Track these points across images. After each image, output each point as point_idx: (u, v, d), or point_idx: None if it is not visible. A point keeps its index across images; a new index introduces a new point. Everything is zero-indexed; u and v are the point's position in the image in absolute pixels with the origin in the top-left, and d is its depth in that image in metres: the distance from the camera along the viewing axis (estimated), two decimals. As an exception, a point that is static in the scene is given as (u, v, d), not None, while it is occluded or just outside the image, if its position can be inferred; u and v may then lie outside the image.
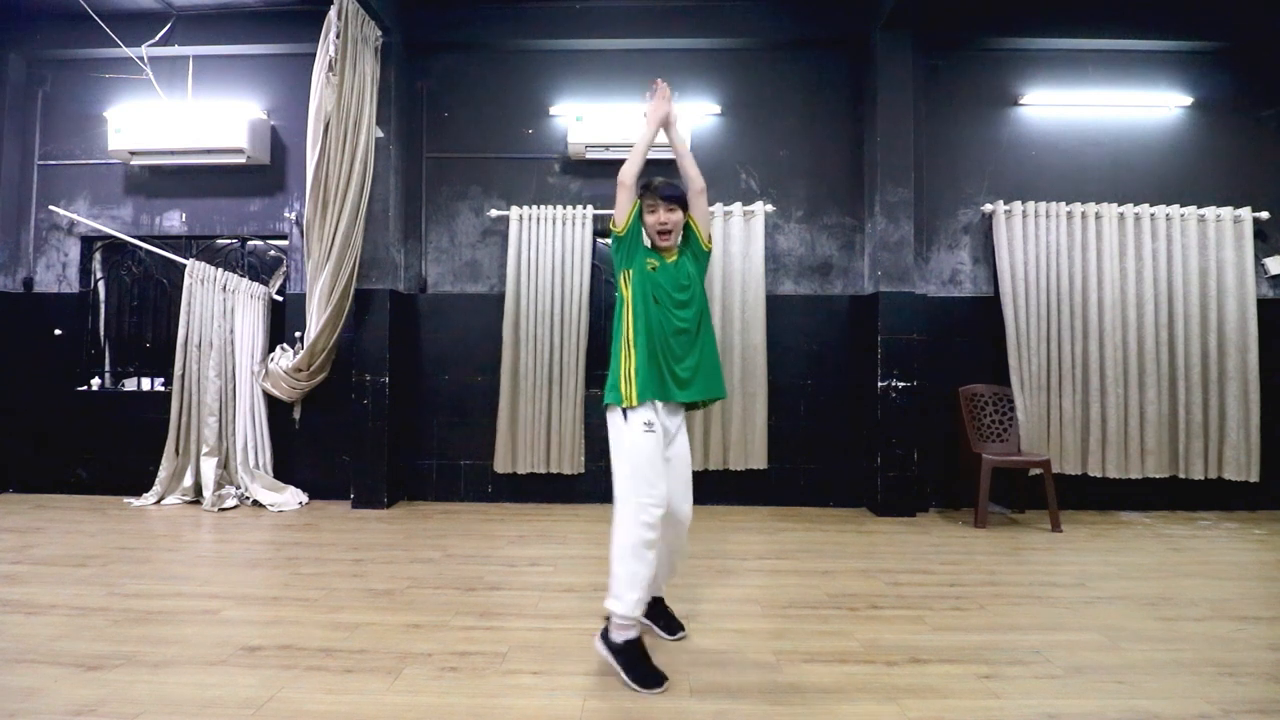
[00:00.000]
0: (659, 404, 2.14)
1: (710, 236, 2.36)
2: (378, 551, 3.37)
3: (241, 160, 4.53)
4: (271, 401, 4.57)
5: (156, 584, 2.84)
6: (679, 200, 2.27)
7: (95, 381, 4.80)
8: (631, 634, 2.02)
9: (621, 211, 2.27)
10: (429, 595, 2.73)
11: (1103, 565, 3.24)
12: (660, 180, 2.30)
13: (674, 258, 2.29)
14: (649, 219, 2.27)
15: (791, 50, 4.67)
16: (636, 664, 1.98)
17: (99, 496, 4.58)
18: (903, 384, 4.26)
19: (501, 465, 4.48)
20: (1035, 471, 4.09)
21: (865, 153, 4.54)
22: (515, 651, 2.19)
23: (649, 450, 2.05)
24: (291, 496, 4.42)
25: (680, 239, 2.33)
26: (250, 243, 4.84)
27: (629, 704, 1.85)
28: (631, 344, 2.15)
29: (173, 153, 4.54)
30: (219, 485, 4.40)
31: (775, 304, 4.53)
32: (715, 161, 4.65)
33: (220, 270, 4.54)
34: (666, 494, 2.07)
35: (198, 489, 4.42)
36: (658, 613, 2.34)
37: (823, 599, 2.73)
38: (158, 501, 4.40)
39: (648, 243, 2.33)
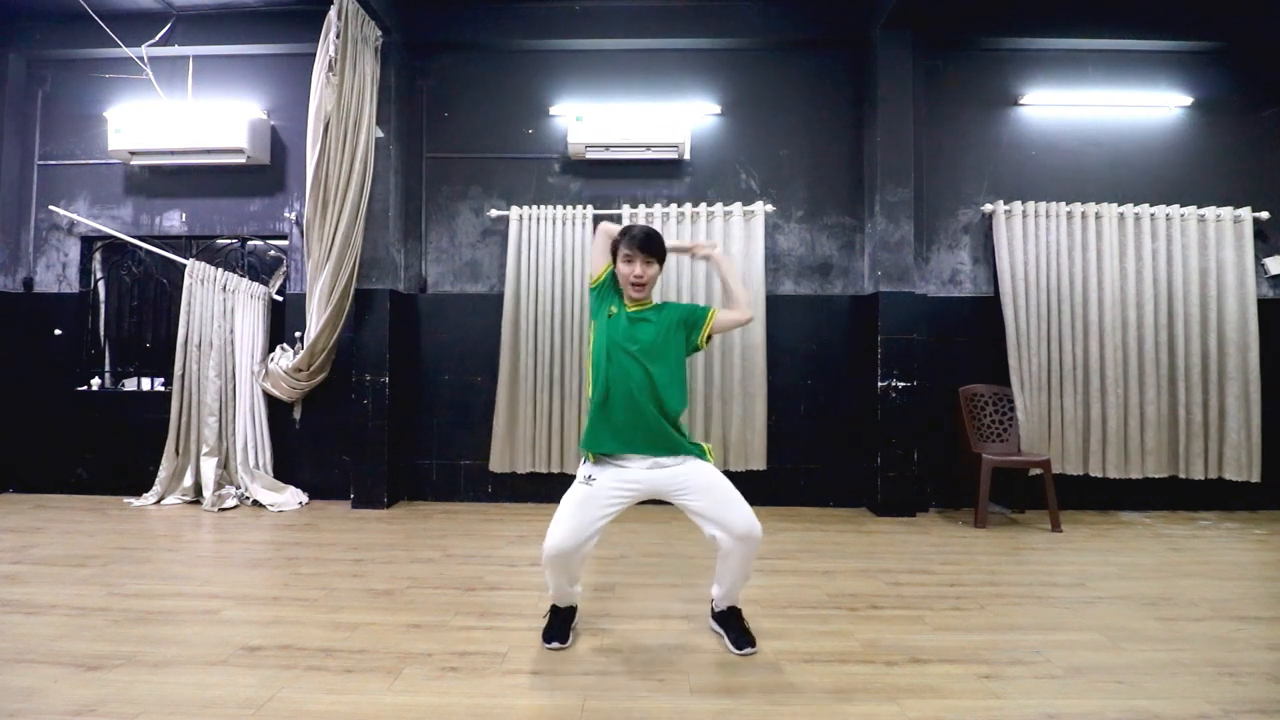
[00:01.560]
0: (619, 458, 2.17)
1: (710, 338, 2.31)
2: (378, 551, 3.37)
3: (241, 160, 4.52)
4: (271, 401, 4.57)
5: (156, 584, 2.84)
6: (658, 254, 2.21)
7: (95, 381, 4.80)
8: (555, 604, 2.33)
9: (597, 262, 2.30)
10: (429, 595, 2.73)
11: (1103, 565, 3.24)
12: (640, 229, 2.21)
13: (639, 309, 2.25)
14: (623, 268, 2.21)
15: (791, 50, 4.67)
16: (548, 625, 2.30)
17: (99, 496, 4.57)
18: (903, 384, 4.26)
19: (497, 465, 4.48)
20: (1035, 471, 4.09)
21: (865, 153, 4.54)
22: (515, 651, 2.19)
23: (573, 498, 2.17)
24: (291, 496, 4.42)
25: (653, 297, 2.30)
26: (250, 243, 4.84)
27: (629, 704, 1.85)
28: (589, 399, 2.23)
29: (173, 153, 4.54)
30: (219, 485, 4.40)
31: (775, 304, 4.53)
32: (715, 161, 4.65)
33: (220, 270, 4.54)
34: (566, 542, 2.10)
35: (198, 489, 4.42)
36: (729, 624, 2.27)
37: (823, 599, 2.73)
38: (158, 501, 4.40)
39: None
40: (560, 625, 2.27)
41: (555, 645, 2.21)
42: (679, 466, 2.17)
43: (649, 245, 2.19)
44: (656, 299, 2.35)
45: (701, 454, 2.22)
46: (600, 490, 2.16)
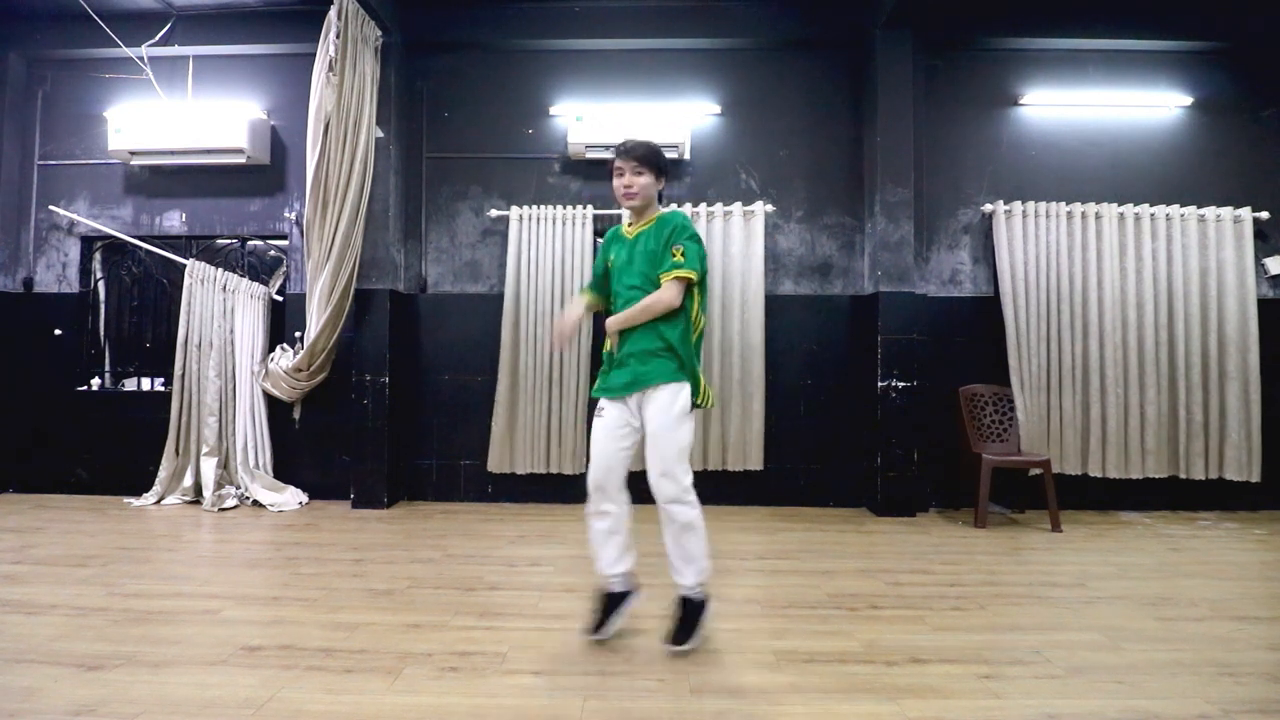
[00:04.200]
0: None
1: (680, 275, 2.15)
2: (378, 551, 3.37)
3: (241, 160, 4.52)
4: (271, 401, 4.57)
5: (156, 584, 2.84)
6: (648, 160, 2.17)
7: (95, 381, 4.80)
8: (599, 588, 2.28)
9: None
10: (429, 595, 2.73)
11: (1103, 565, 3.24)
12: (626, 143, 2.21)
13: (640, 228, 2.24)
14: (615, 183, 2.23)
15: (791, 50, 4.67)
16: (591, 612, 2.27)
17: (99, 496, 4.57)
18: (903, 384, 4.26)
19: (495, 465, 4.48)
20: (1035, 471, 4.08)
21: (865, 153, 4.54)
22: (515, 651, 2.19)
23: (594, 430, 2.23)
24: (291, 496, 4.42)
25: (649, 208, 2.25)
26: (250, 243, 4.84)
27: (629, 704, 1.85)
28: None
29: (173, 153, 4.54)
30: (219, 485, 4.40)
31: (775, 304, 4.53)
32: (715, 161, 4.65)
33: (220, 270, 4.54)
34: (595, 472, 2.18)
35: (198, 489, 4.42)
36: (676, 612, 2.23)
37: (823, 599, 2.72)
38: (158, 501, 4.40)
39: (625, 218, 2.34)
40: (600, 614, 2.23)
41: (592, 633, 2.22)
42: (651, 392, 2.16)
43: (633, 149, 2.16)
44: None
45: (670, 376, 2.14)
46: (610, 420, 2.19)
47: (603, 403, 2.23)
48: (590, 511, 2.22)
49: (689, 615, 2.20)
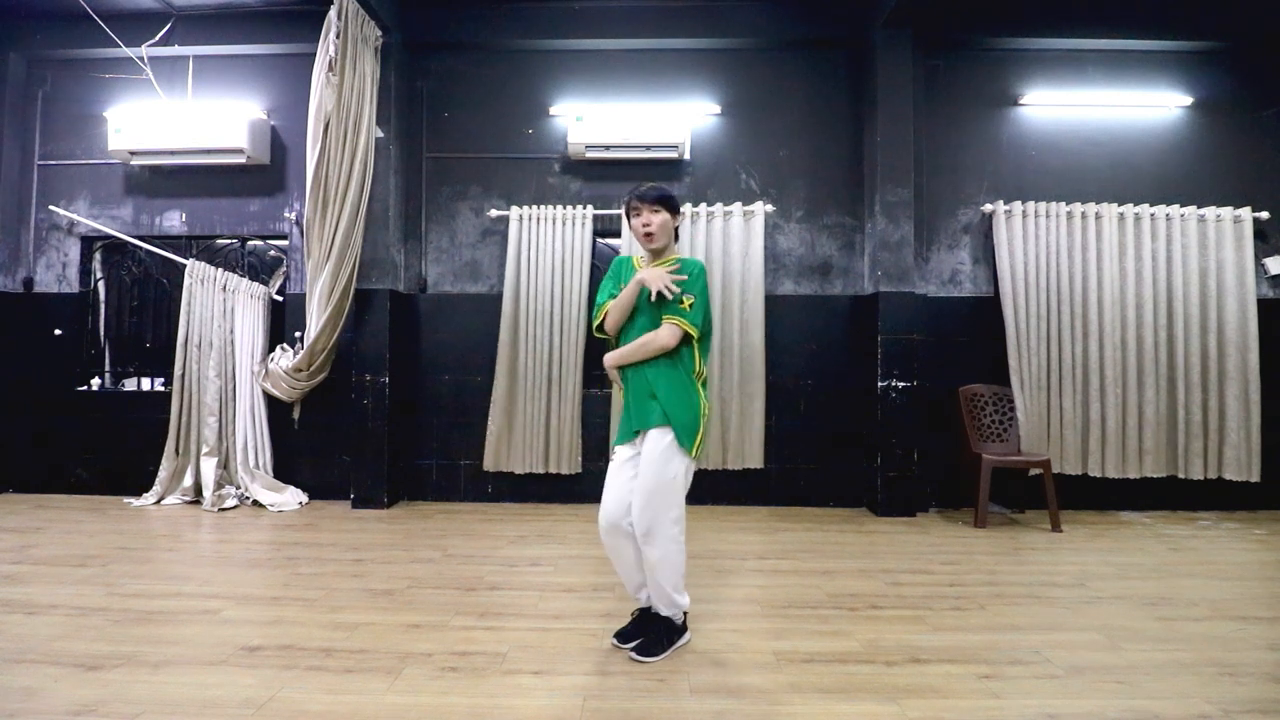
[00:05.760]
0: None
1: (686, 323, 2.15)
2: (378, 551, 3.37)
3: (241, 160, 4.52)
4: (271, 401, 4.57)
5: (156, 584, 2.84)
6: (664, 201, 2.22)
7: (95, 381, 4.80)
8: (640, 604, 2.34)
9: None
10: (429, 595, 2.73)
11: (1103, 565, 3.24)
12: (645, 185, 2.26)
13: (661, 267, 2.22)
14: (633, 223, 2.25)
15: (791, 50, 4.67)
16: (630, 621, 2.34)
17: (99, 496, 4.58)
18: (903, 384, 4.26)
19: (491, 464, 4.48)
20: (1035, 471, 4.08)
21: (865, 153, 4.54)
22: (515, 651, 2.19)
23: (609, 471, 2.27)
24: (291, 496, 4.42)
25: (667, 249, 2.26)
26: (250, 243, 4.84)
27: (629, 704, 1.85)
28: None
29: (173, 153, 4.54)
30: (219, 485, 4.40)
31: (775, 304, 4.53)
32: (715, 161, 4.65)
33: (220, 270, 4.54)
34: (605, 509, 2.20)
35: (198, 489, 4.42)
36: (645, 625, 2.25)
37: (823, 599, 2.73)
38: (158, 501, 4.40)
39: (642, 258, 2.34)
40: (630, 624, 2.29)
41: (613, 641, 2.25)
42: (654, 430, 2.15)
43: (648, 193, 2.22)
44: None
45: (664, 420, 2.13)
46: (620, 460, 2.24)
47: (615, 448, 2.28)
48: (609, 546, 2.21)
49: (657, 630, 2.21)
